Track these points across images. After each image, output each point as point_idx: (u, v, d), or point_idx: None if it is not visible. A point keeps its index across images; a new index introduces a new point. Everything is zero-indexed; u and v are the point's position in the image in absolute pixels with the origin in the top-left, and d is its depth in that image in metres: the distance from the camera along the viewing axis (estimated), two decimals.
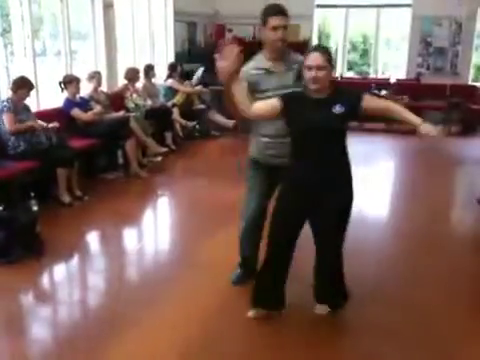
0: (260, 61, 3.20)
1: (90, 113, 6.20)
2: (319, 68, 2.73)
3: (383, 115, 2.93)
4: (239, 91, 2.92)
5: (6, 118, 5.08)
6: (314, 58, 2.75)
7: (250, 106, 2.92)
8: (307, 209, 2.96)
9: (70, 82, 6.09)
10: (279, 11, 3.08)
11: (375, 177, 6.98)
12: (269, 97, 2.99)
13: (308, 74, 2.76)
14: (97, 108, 6.35)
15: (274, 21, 3.04)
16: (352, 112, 2.82)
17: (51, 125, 5.35)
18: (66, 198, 5.31)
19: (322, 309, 3.26)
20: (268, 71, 3.15)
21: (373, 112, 2.88)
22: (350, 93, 2.89)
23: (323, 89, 2.81)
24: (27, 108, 5.38)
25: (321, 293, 3.25)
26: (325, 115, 2.78)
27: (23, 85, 5.22)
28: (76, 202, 5.36)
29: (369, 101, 2.85)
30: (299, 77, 3.06)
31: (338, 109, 2.77)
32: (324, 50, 2.79)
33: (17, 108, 5.18)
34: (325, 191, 2.88)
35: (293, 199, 2.96)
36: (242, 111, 2.94)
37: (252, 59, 3.26)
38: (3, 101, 5.19)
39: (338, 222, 2.96)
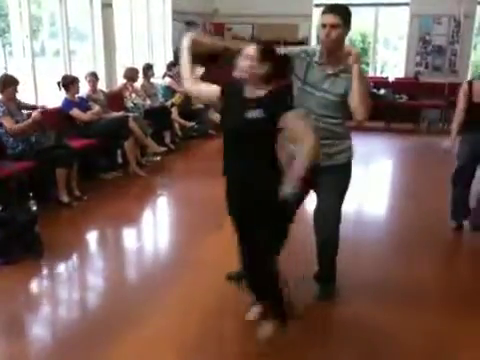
0: (316, 52, 3.05)
1: (89, 113, 6.20)
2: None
3: None
4: (185, 59, 2.93)
5: (5, 121, 5.05)
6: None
7: (194, 82, 2.91)
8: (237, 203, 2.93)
9: (69, 82, 6.09)
10: (329, 9, 2.89)
11: (374, 176, 7.01)
12: (304, 90, 3.01)
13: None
14: (96, 108, 6.35)
15: (323, 19, 2.90)
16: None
17: (34, 113, 5.17)
18: (65, 198, 5.32)
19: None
20: (318, 64, 3.03)
21: None
22: None
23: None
24: (19, 106, 5.35)
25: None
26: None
27: (9, 83, 5.13)
28: (75, 202, 5.36)
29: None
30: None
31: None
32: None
33: (10, 109, 5.14)
34: (243, 191, 2.84)
35: (227, 194, 2.95)
36: (183, 82, 2.94)
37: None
38: None
39: (259, 222, 2.83)
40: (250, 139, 2.71)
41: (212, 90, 2.88)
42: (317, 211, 3.25)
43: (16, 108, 5.26)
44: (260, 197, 2.76)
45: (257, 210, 2.79)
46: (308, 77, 3.05)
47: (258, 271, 2.93)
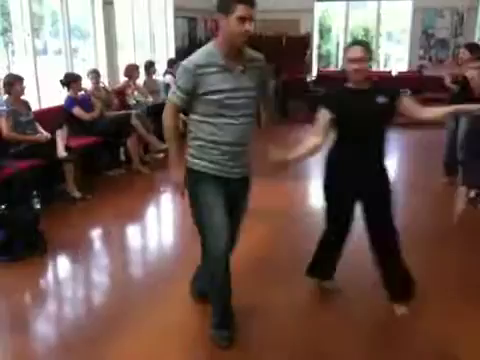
0: (214, 56, 2.70)
1: (89, 115, 6.17)
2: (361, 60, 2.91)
3: None
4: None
5: (2, 123, 5.05)
6: (355, 51, 2.92)
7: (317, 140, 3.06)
8: None
9: (72, 80, 6.09)
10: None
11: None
12: (222, 99, 2.69)
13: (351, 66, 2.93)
14: (96, 112, 6.33)
15: (242, 10, 2.56)
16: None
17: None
18: (76, 193, 5.37)
19: None
20: (225, 69, 2.69)
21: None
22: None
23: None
24: (28, 106, 5.37)
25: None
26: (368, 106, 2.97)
27: (13, 82, 5.14)
28: (89, 195, 5.43)
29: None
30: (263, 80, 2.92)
31: (381, 100, 2.95)
32: (364, 44, 2.99)
33: (17, 110, 5.15)
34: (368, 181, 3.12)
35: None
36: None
37: (201, 52, 2.75)
38: (2, 104, 5.13)
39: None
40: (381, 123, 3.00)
41: (323, 121, 3.04)
42: None
43: (22, 106, 5.29)
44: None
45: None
46: (219, 85, 2.75)
47: None
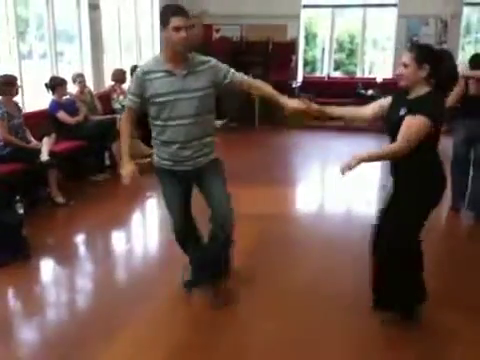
0: (159, 63, 3.06)
1: (73, 119, 6.14)
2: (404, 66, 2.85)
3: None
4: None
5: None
6: (402, 56, 2.89)
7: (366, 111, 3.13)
8: None
9: (57, 84, 6.06)
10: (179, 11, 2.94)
11: (363, 176, 7.00)
12: (168, 101, 3.00)
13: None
14: (81, 116, 6.30)
15: (176, 22, 2.90)
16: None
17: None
18: (60, 198, 5.32)
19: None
20: (169, 73, 3.02)
21: None
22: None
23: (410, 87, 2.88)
24: (18, 108, 5.34)
25: None
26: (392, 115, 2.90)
27: (8, 83, 5.12)
28: (62, 206, 5.34)
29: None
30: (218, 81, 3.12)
31: (402, 112, 2.80)
32: (416, 49, 2.87)
33: (10, 112, 5.12)
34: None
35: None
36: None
37: (149, 60, 3.20)
38: None
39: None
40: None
41: (381, 103, 3.10)
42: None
43: (16, 109, 5.25)
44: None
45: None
46: (163, 88, 3.07)
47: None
